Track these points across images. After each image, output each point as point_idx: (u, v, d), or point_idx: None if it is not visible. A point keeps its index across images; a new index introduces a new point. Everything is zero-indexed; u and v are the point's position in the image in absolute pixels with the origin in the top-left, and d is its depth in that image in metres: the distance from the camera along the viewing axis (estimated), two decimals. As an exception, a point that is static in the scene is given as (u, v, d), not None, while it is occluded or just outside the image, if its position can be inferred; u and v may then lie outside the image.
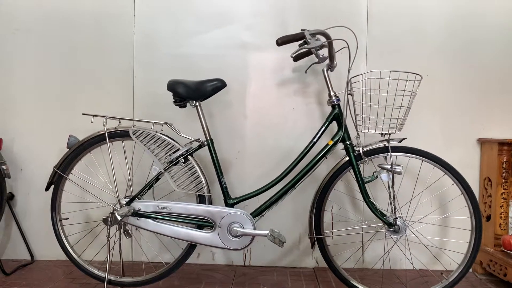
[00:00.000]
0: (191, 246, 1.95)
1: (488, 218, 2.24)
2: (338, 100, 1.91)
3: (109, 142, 1.93)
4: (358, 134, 1.88)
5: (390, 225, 1.86)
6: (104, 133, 1.93)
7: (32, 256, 2.41)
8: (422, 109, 2.33)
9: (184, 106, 1.95)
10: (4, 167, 2.24)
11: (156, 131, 1.92)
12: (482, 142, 2.33)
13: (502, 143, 2.17)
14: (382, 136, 1.87)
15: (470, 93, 2.34)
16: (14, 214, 2.39)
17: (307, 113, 2.35)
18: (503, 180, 2.17)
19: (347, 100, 1.87)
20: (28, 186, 2.41)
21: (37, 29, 2.39)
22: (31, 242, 2.42)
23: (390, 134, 1.85)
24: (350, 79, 1.85)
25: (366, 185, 1.88)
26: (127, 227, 1.94)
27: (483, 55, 2.34)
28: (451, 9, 2.33)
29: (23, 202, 2.42)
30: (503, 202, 2.17)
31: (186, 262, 1.97)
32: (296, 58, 2.05)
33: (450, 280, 1.89)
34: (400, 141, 1.88)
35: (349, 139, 1.88)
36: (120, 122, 1.96)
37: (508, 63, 2.33)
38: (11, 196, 2.39)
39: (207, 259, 2.42)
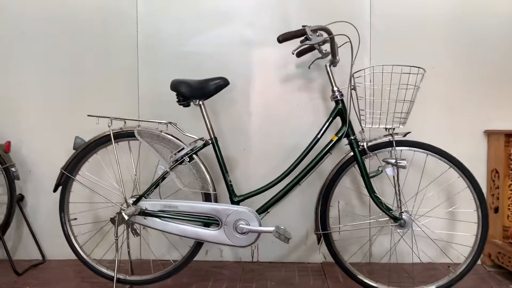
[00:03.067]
0: (198, 244, 1.97)
1: (496, 210, 2.23)
2: (342, 95, 1.90)
3: (114, 142, 1.95)
4: (362, 129, 1.88)
5: (396, 219, 1.86)
6: (110, 134, 1.95)
7: (43, 256, 2.44)
8: (428, 102, 2.31)
9: (188, 105, 1.96)
10: (13, 169, 2.28)
11: (161, 131, 1.93)
12: (489, 134, 2.31)
13: (509, 134, 2.15)
14: (386, 130, 1.86)
15: (476, 85, 2.32)
16: (24, 215, 2.42)
17: (312, 109, 2.35)
18: (511, 172, 2.15)
19: (351, 95, 1.87)
20: (37, 187, 2.45)
21: (43, 31, 2.41)
22: (42, 242, 2.46)
23: (394, 129, 1.85)
24: (353, 74, 1.85)
25: (371, 179, 1.88)
26: (134, 226, 1.96)
27: (488, 46, 2.31)
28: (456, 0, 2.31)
29: (33, 203, 2.46)
30: (511, 193, 2.16)
31: (195, 259, 1.99)
32: (299, 54, 2.05)
33: (458, 272, 1.88)
34: (405, 135, 1.87)
35: (353, 134, 1.88)
36: (125, 123, 1.97)
37: (514, 53, 2.31)
38: (21, 198, 2.43)
39: (215, 256, 2.44)
